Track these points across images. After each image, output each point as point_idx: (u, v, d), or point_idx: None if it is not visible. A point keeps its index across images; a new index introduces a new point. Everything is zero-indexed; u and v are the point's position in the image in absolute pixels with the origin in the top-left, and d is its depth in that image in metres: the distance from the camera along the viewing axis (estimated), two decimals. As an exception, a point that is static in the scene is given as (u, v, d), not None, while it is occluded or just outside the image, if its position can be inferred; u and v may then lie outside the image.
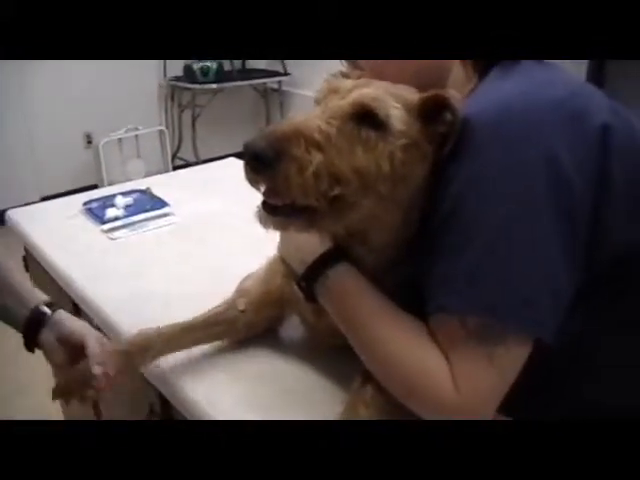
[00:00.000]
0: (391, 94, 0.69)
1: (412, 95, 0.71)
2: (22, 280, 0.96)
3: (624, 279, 0.72)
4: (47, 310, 0.90)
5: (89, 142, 3.94)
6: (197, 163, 4.10)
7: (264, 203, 0.68)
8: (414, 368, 0.70)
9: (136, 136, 3.99)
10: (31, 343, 0.91)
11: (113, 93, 3.87)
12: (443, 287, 0.69)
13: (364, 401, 0.77)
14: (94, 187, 3.87)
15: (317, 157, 0.63)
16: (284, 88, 4.49)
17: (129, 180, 3.53)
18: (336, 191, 0.66)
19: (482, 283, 0.65)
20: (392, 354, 0.72)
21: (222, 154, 4.37)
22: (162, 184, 1.73)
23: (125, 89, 3.91)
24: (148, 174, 3.93)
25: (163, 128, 4.15)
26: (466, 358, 0.67)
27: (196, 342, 0.95)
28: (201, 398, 0.87)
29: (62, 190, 3.69)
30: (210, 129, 4.35)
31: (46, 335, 0.89)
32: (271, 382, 0.91)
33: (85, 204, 1.58)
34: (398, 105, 0.68)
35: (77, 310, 1.28)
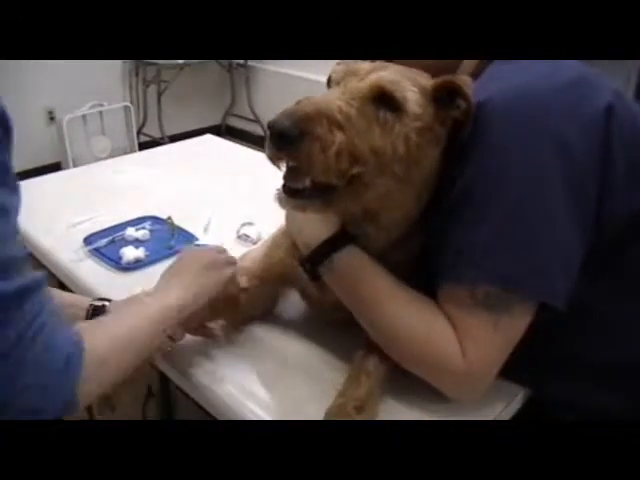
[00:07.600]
0: (408, 78, 0.71)
1: (426, 80, 0.73)
2: (63, 293, 0.94)
3: (625, 247, 0.77)
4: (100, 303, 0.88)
5: (51, 119, 3.82)
6: (162, 139, 4.03)
7: (284, 186, 0.70)
8: (423, 339, 0.74)
9: (100, 112, 3.89)
10: None
11: (76, 68, 3.74)
12: (459, 258, 0.72)
13: (366, 371, 0.80)
14: (57, 165, 3.77)
15: (339, 137, 0.65)
16: (250, 63, 4.44)
17: (95, 158, 3.51)
18: (355, 170, 0.68)
19: (498, 254, 0.69)
20: (401, 327, 0.76)
21: (188, 129, 4.34)
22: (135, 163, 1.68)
23: (89, 64, 3.77)
24: (113, 151, 3.86)
25: (128, 104, 4.05)
26: (473, 326, 0.72)
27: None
28: (209, 376, 0.89)
29: (24, 168, 3.59)
30: (176, 105, 4.27)
31: None
32: (275, 359, 0.93)
33: (87, 242, 1.26)
34: (414, 89, 0.70)
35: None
